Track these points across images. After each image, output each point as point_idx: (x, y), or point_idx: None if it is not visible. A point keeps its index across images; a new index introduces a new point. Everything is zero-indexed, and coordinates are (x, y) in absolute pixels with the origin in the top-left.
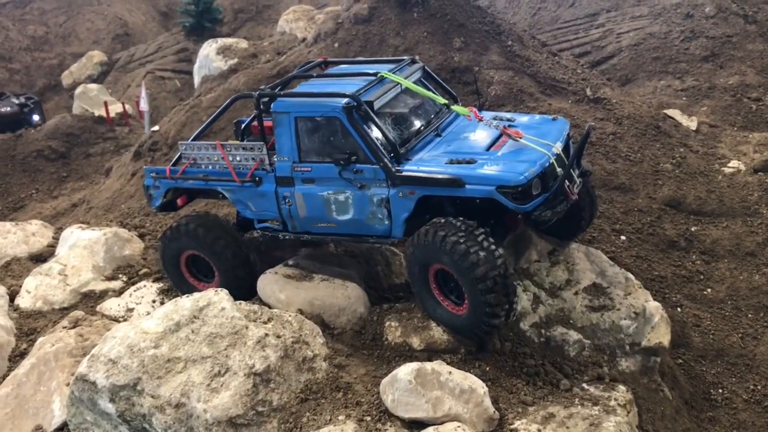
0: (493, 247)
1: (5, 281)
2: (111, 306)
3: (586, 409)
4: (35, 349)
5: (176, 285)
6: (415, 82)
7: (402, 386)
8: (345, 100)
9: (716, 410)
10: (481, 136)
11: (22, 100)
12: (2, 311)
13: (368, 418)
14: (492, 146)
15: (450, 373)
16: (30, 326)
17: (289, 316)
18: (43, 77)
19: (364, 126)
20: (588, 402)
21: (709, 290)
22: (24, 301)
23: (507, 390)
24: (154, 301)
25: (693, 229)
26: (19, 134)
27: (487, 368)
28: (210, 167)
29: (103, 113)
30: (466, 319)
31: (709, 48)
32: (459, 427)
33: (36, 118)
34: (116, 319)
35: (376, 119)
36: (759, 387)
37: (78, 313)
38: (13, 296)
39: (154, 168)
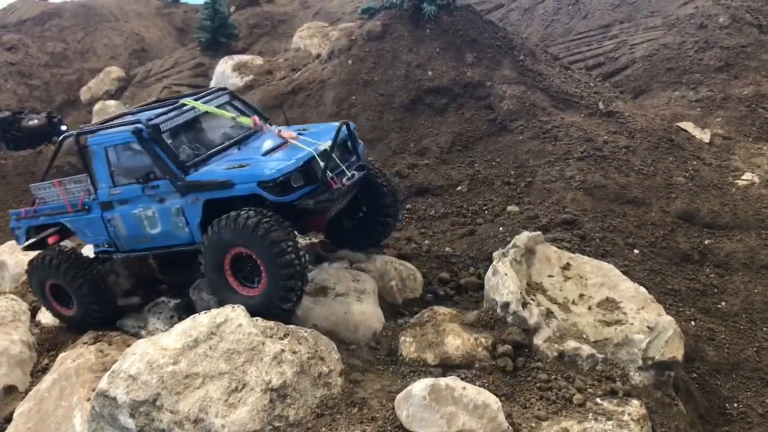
0: (295, 237)
1: (27, 297)
2: (130, 322)
3: (600, 424)
4: (57, 364)
5: (47, 309)
6: (219, 106)
7: (416, 402)
8: (134, 126)
9: (731, 425)
10: (266, 144)
11: (44, 115)
12: (24, 327)
13: None
14: (272, 151)
15: (464, 388)
16: (51, 342)
17: (305, 332)
18: (62, 93)
19: (154, 146)
20: (602, 417)
21: (723, 304)
22: (45, 317)
23: (520, 405)
24: (172, 317)
25: (707, 242)
26: (39, 151)
27: (501, 383)
28: (54, 203)
29: None
30: (258, 300)
31: (723, 58)
32: None
33: (64, 128)
34: (135, 335)
35: (164, 139)
36: None
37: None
38: (34, 312)
39: (16, 210)
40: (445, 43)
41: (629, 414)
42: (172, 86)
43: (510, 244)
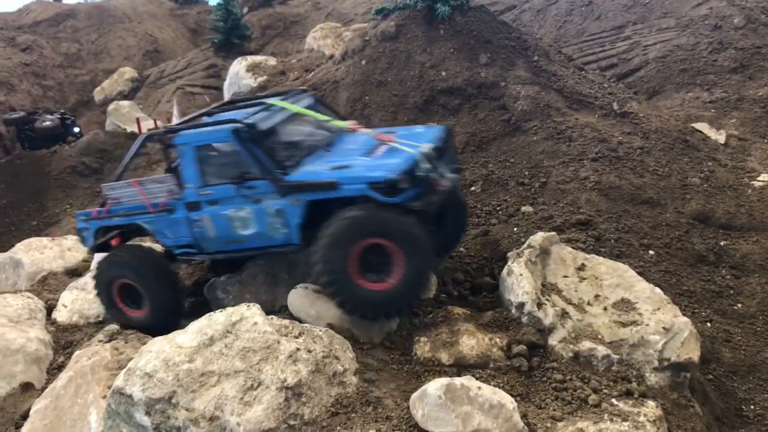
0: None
1: (42, 295)
2: None
3: (615, 425)
4: (72, 362)
5: (107, 310)
6: (303, 108)
7: (432, 401)
8: (233, 125)
9: (748, 427)
10: (361, 146)
11: (57, 116)
12: (40, 325)
13: None
14: (370, 153)
15: (479, 388)
16: (67, 339)
17: (320, 330)
18: (76, 93)
19: (252, 146)
20: (617, 417)
21: (739, 305)
22: (61, 315)
23: (536, 405)
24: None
25: (722, 243)
26: (54, 150)
27: (516, 383)
28: (130, 203)
29: (135, 129)
30: (389, 294)
31: (738, 59)
32: None
33: (76, 129)
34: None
35: (262, 139)
36: None
37: (113, 327)
38: (50, 310)
39: (84, 211)
40: (458, 43)
41: (645, 415)
42: (185, 87)
43: (525, 245)
